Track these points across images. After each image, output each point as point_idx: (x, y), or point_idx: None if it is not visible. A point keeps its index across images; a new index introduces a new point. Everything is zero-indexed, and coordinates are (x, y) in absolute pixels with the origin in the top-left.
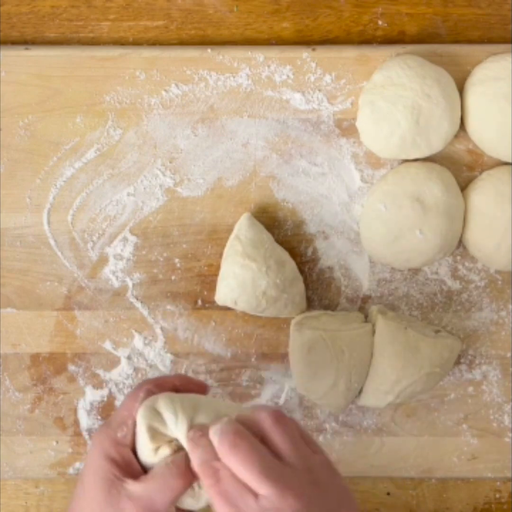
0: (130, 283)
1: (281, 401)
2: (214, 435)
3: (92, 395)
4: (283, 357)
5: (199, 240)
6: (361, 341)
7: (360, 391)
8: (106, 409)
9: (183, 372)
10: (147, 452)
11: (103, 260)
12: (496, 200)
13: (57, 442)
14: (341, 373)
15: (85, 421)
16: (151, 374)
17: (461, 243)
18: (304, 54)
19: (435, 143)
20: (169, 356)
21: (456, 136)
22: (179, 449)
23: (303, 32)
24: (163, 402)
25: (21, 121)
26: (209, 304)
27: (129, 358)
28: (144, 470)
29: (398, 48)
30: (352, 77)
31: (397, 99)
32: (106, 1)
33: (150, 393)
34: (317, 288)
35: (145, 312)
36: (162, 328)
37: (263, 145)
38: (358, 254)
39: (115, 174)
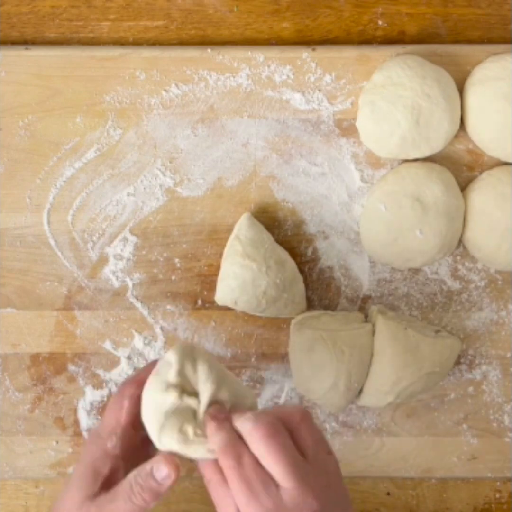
0: (130, 283)
1: (281, 401)
2: (246, 421)
3: (92, 395)
4: (283, 357)
5: (199, 240)
6: (361, 341)
7: (360, 391)
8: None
9: None
10: (162, 390)
11: (103, 260)
12: (496, 200)
13: (57, 442)
14: (341, 373)
15: (85, 421)
16: None
17: (461, 243)
18: (304, 54)
19: (435, 143)
20: None
21: (456, 136)
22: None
23: (303, 32)
24: (202, 359)
25: (21, 121)
26: (209, 304)
27: (129, 358)
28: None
29: (398, 48)
30: (352, 77)
31: (397, 99)
32: (106, 1)
33: (133, 398)
34: (317, 288)
35: (145, 312)
36: (162, 328)
37: (263, 145)
38: (358, 254)
39: (115, 174)
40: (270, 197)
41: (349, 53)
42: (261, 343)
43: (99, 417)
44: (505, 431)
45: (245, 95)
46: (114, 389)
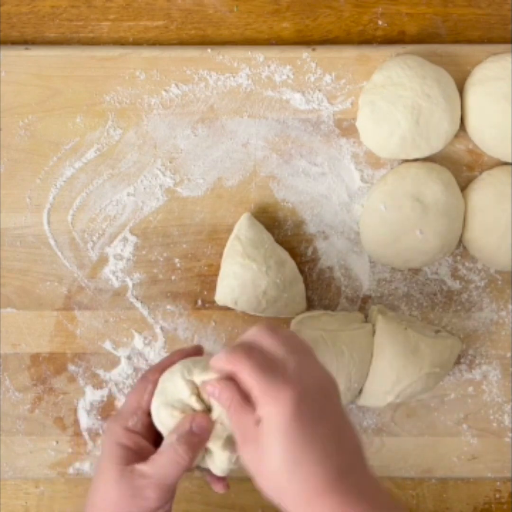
0: (130, 283)
1: None
2: (225, 353)
3: (92, 395)
4: None
5: (199, 240)
6: (361, 341)
7: (360, 391)
8: (106, 409)
9: None
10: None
11: (103, 260)
12: (496, 200)
13: (57, 442)
14: (341, 373)
15: (85, 421)
16: None
17: (461, 243)
18: (304, 54)
19: (435, 143)
20: None
21: (456, 136)
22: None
23: (303, 32)
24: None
25: (21, 121)
26: (209, 304)
27: (129, 358)
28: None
29: (398, 48)
30: (352, 77)
31: (397, 99)
32: (106, 1)
33: (156, 383)
34: (317, 288)
35: (145, 312)
36: (162, 328)
37: (263, 145)
38: (358, 254)
39: (115, 174)
40: (270, 197)
41: (349, 53)
42: None
43: (99, 417)
44: (505, 431)
45: (245, 95)
46: (114, 389)
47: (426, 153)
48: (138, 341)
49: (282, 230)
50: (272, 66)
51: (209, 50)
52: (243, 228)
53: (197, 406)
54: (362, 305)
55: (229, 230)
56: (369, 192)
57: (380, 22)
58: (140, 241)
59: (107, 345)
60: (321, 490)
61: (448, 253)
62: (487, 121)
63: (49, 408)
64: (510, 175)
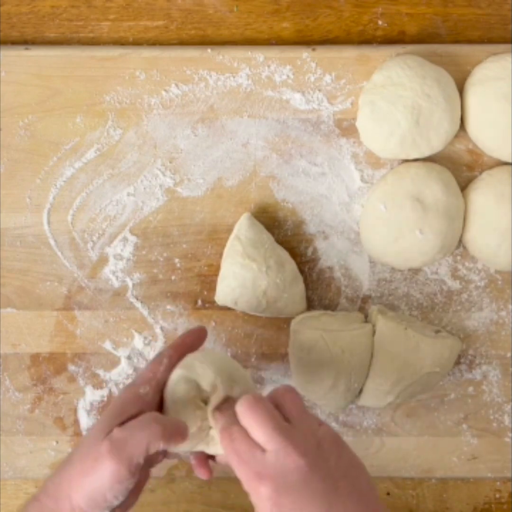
0: (130, 283)
1: None
2: (238, 403)
3: (92, 395)
4: (283, 357)
5: (199, 240)
6: (361, 342)
7: (360, 391)
8: (106, 409)
9: None
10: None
11: (103, 260)
12: (496, 200)
13: (57, 442)
14: (341, 373)
15: (85, 421)
16: None
17: (461, 243)
18: (304, 54)
19: (435, 143)
20: None
21: (456, 136)
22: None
23: (303, 32)
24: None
25: (21, 121)
26: (209, 304)
27: (129, 358)
28: None
29: (398, 48)
30: (352, 77)
31: (397, 99)
32: (106, 1)
33: (171, 358)
34: (317, 288)
35: (145, 312)
36: (162, 328)
37: (263, 145)
38: (358, 254)
39: (115, 174)
40: (270, 197)
41: (349, 53)
42: (261, 343)
43: (99, 417)
44: (505, 431)
45: (245, 95)
46: (114, 389)
47: (426, 153)
48: (138, 341)
49: (282, 230)
50: (272, 66)
51: (209, 50)
52: (243, 228)
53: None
54: (362, 305)
55: (229, 230)
56: (369, 192)
57: (380, 22)
58: (140, 241)
59: (107, 345)
60: None
61: (448, 253)
62: (487, 121)
63: (49, 408)
64: (510, 175)
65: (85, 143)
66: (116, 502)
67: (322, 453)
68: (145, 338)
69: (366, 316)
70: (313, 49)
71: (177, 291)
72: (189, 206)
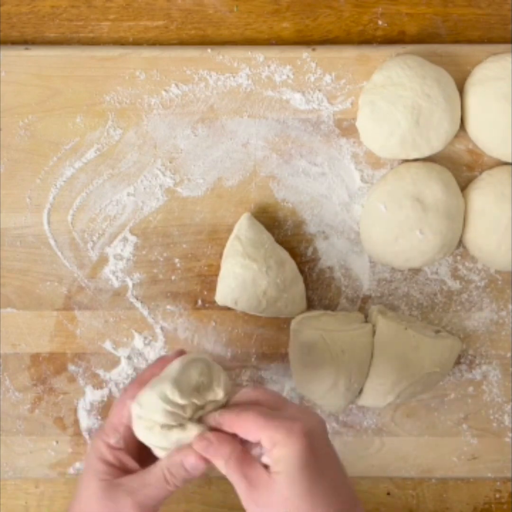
0: (130, 283)
1: None
2: (216, 416)
3: (92, 395)
4: (283, 357)
5: (199, 240)
6: (361, 341)
7: (360, 391)
8: (106, 409)
9: None
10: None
11: (103, 260)
12: (496, 200)
13: (57, 442)
14: (341, 373)
15: (85, 421)
16: None
17: (461, 243)
18: (304, 54)
19: (435, 143)
20: None
21: (456, 136)
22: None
23: (303, 32)
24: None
25: (21, 121)
26: (209, 304)
27: (129, 358)
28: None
29: (398, 48)
30: (352, 77)
31: (397, 99)
32: (106, 1)
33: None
34: (317, 288)
35: (145, 312)
36: (162, 328)
37: (263, 145)
38: (358, 254)
39: (115, 174)
40: (270, 197)
41: (349, 53)
42: (261, 343)
43: (99, 417)
44: (505, 431)
45: (245, 95)
46: (114, 389)
47: (426, 153)
48: (138, 341)
49: (282, 230)
50: (272, 66)
51: (209, 50)
52: (243, 228)
53: (174, 422)
54: (362, 305)
55: (229, 230)
56: (369, 192)
57: (380, 22)
58: (140, 241)
59: (107, 345)
60: None
61: (448, 253)
62: (487, 121)
63: (49, 408)
64: (510, 175)
65: (85, 143)
66: None
67: (315, 438)
68: (145, 338)
69: (366, 316)
70: (313, 49)
71: (177, 291)
72: (189, 206)
